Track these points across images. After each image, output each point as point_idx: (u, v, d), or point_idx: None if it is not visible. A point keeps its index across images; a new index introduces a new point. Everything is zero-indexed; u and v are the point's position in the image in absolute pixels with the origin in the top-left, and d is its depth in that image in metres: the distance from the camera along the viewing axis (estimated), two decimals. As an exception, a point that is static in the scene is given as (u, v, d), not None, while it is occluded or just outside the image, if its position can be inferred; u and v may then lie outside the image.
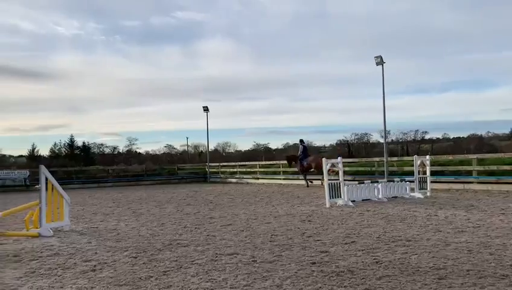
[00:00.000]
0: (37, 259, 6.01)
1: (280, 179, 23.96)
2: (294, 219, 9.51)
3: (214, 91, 77.08)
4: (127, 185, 25.42)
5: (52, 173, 9.08)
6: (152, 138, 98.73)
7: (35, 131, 77.73)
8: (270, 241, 6.92)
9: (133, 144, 55.12)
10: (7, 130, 76.79)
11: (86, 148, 51.58)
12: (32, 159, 45.48)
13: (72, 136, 51.32)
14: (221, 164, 30.74)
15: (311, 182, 20.15)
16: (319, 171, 17.91)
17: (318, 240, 6.88)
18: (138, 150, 56.12)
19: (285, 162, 22.29)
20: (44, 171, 8.38)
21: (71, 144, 51.18)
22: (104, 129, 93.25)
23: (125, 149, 55.22)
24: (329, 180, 12.06)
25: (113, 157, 51.51)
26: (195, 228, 8.56)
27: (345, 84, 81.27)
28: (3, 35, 64.62)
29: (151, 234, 7.92)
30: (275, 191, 17.78)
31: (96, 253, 6.34)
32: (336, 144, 57.14)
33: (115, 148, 55.57)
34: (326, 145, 59.06)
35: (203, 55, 77.27)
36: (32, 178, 23.52)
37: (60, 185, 8.94)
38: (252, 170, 27.33)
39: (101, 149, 54.67)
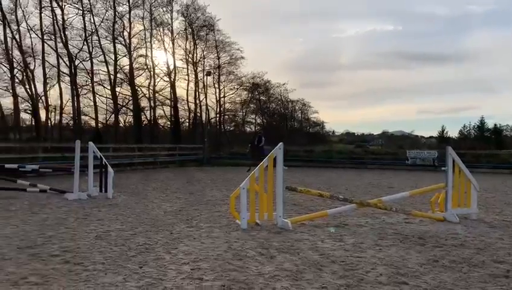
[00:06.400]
0: (441, 247, 5.61)
1: None
2: None
3: None
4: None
5: (459, 155, 8.48)
6: None
7: (445, 113, 78.95)
8: None
9: None
10: (419, 112, 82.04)
11: (497, 130, 47.62)
12: (441, 141, 46.29)
13: (482, 117, 48.58)
14: None
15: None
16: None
17: None
18: None
19: None
20: (451, 153, 7.90)
21: (481, 126, 48.58)
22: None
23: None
24: None
25: (530, 141, 45.06)
26: None
27: None
28: (420, 24, 68.72)
29: None
30: None
31: (509, 254, 5.29)
32: None
33: (533, 130, 48.46)
34: None
35: None
36: (440, 159, 23.74)
37: (467, 168, 8.24)
38: None
39: (515, 132, 49.05)
